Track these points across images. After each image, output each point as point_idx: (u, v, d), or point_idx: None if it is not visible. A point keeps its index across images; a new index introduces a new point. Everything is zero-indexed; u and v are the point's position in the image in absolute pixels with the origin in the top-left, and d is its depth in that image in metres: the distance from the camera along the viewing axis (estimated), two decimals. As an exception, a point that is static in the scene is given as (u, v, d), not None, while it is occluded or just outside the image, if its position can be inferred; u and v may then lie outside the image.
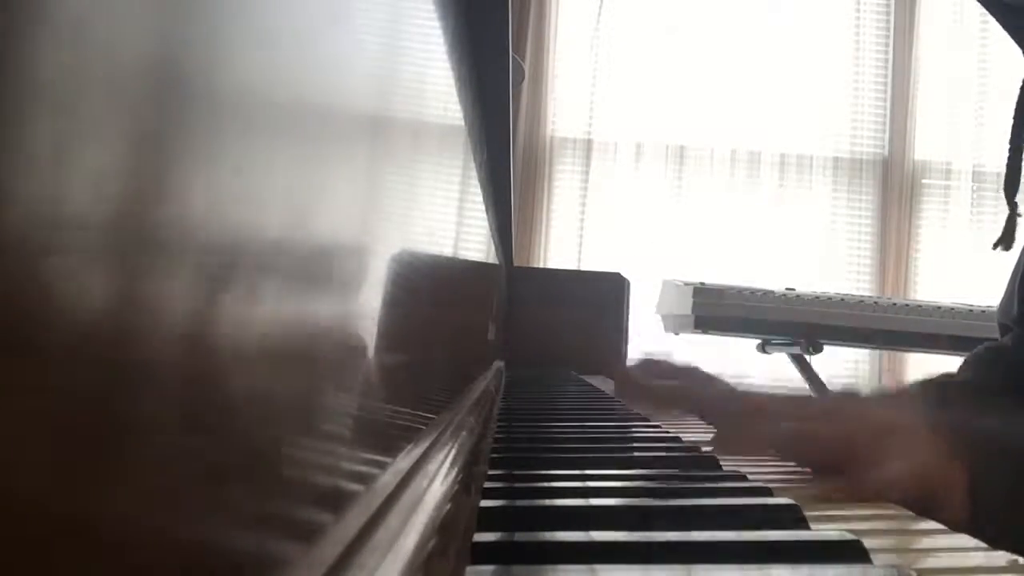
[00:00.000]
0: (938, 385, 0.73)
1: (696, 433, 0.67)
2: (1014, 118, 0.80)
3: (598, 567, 0.30)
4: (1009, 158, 0.81)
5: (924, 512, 0.45)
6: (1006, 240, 0.85)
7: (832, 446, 0.52)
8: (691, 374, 0.72)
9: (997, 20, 0.80)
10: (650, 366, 0.75)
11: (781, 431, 0.55)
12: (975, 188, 2.95)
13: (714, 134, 2.93)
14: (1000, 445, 0.51)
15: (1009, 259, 0.79)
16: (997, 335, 0.81)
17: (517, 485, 0.44)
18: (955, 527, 0.43)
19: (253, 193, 0.15)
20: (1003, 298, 0.80)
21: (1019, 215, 0.83)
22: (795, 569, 0.31)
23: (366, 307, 0.27)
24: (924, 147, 3.00)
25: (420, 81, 0.38)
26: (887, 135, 3.00)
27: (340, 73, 0.22)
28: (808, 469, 0.53)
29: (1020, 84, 0.79)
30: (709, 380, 0.71)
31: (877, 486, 0.47)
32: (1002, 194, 0.83)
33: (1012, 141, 0.80)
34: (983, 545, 0.35)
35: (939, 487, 0.48)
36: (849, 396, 0.62)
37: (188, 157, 0.13)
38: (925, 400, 0.61)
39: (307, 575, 0.19)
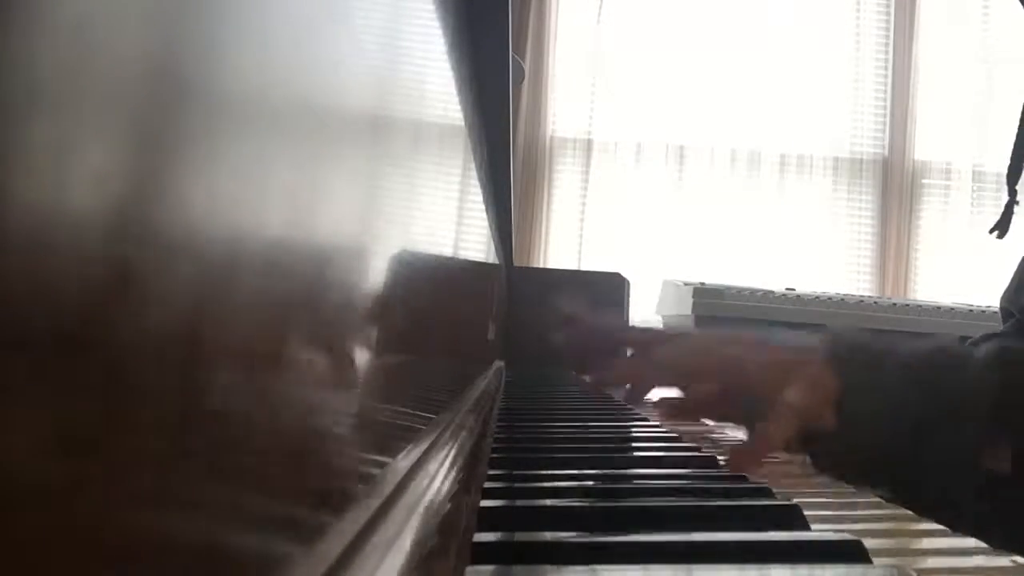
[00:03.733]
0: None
1: (697, 434, 0.67)
2: (1023, 108, 0.79)
3: (598, 567, 0.30)
4: (1015, 146, 0.81)
5: (801, 423, 0.52)
6: (1002, 227, 0.85)
7: (736, 370, 0.58)
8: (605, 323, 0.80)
9: None
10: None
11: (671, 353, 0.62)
12: (975, 188, 2.95)
13: (714, 134, 2.93)
14: (869, 359, 0.56)
15: (1009, 253, 0.79)
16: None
17: (517, 485, 0.44)
18: (826, 431, 0.51)
19: (253, 193, 0.15)
20: (1010, 284, 0.79)
21: (1017, 203, 0.84)
22: (795, 569, 0.31)
23: (366, 307, 0.27)
24: (924, 147, 2.99)
25: (420, 81, 0.38)
26: (887, 135, 3.00)
27: (340, 73, 0.22)
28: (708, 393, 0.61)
29: None
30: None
31: (775, 432, 0.53)
32: (1005, 186, 0.84)
33: (1020, 130, 0.80)
34: (983, 546, 0.35)
35: (816, 397, 0.54)
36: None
37: (187, 157, 0.13)
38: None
39: (307, 575, 0.19)
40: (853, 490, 0.49)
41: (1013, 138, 0.81)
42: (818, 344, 0.58)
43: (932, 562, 0.34)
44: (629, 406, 0.87)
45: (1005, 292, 0.80)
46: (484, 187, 0.83)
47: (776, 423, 0.53)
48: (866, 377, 0.55)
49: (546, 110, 2.93)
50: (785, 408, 0.54)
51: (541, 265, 2.81)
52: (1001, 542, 0.34)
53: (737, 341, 0.62)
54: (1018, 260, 0.79)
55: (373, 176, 0.28)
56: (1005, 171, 0.82)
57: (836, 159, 2.98)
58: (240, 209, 0.15)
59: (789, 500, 0.39)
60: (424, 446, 0.37)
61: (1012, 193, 0.84)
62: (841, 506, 0.45)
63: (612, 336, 0.78)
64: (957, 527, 0.38)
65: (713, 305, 1.99)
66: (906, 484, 0.52)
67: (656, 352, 0.64)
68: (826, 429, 0.53)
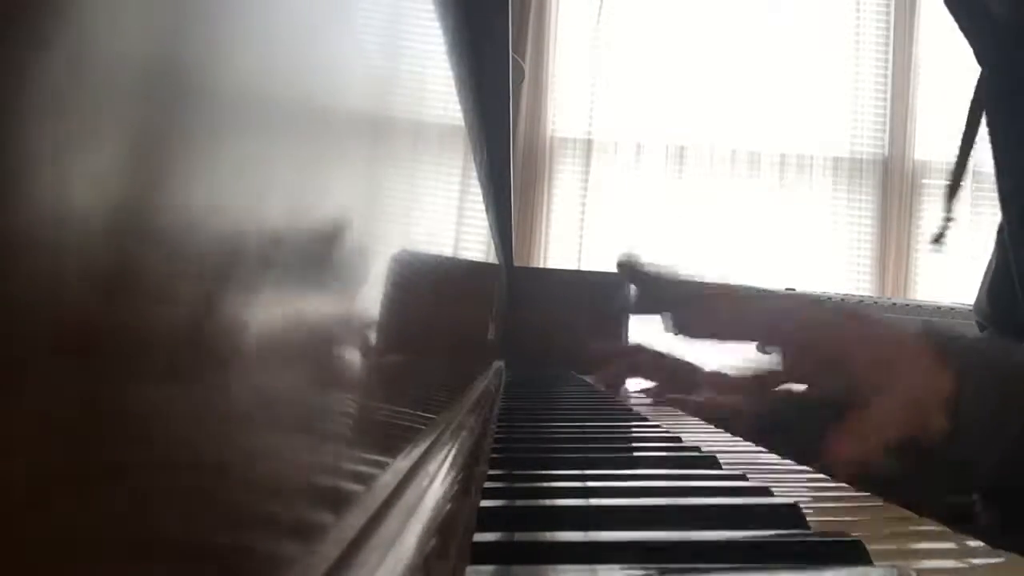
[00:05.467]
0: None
1: (697, 434, 0.67)
2: (967, 122, 0.79)
3: (598, 567, 0.30)
4: (956, 163, 0.81)
5: (909, 426, 0.43)
6: (939, 240, 0.85)
7: (823, 349, 0.49)
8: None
9: (955, 20, 0.80)
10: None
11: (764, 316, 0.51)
12: (975, 188, 2.94)
13: (714, 134, 2.93)
14: (987, 358, 0.48)
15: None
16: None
17: (517, 485, 0.44)
18: (936, 439, 0.42)
19: (252, 193, 0.15)
20: (977, 295, 0.79)
21: (953, 219, 0.83)
22: (795, 569, 0.31)
23: (366, 307, 0.27)
24: (924, 147, 3.00)
25: (420, 81, 0.38)
26: (887, 135, 3.00)
27: (340, 73, 0.22)
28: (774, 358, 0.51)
29: (974, 89, 0.78)
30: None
31: (876, 421, 0.45)
32: (944, 199, 0.83)
33: (962, 146, 0.80)
34: (983, 545, 0.35)
35: (926, 397, 0.46)
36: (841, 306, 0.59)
37: (187, 157, 0.13)
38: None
39: (307, 575, 0.19)
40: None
41: (957, 152, 0.80)
42: (923, 333, 0.49)
43: (932, 562, 0.34)
44: (629, 405, 0.87)
45: (975, 304, 0.80)
46: (484, 187, 0.83)
47: (881, 416, 0.45)
48: (987, 379, 0.47)
49: (546, 110, 2.93)
50: (895, 400, 0.45)
51: (541, 265, 2.82)
52: None
53: (834, 310, 0.52)
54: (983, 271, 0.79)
55: (373, 176, 0.28)
56: (951, 176, 0.82)
57: (836, 159, 2.98)
58: (239, 209, 0.15)
59: (789, 500, 0.39)
60: (424, 446, 0.37)
61: (948, 210, 0.83)
62: (841, 506, 0.45)
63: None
64: None
65: (713, 305, 1.99)
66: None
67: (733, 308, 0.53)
68: (934, 436, 0.45)
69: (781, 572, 0.31)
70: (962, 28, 0.79)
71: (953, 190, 0.82)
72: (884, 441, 0.45)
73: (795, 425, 0.50)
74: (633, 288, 0.67)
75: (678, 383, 0.60)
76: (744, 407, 0.53)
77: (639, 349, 0.71)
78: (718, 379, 0.56)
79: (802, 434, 0.49)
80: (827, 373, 0.48)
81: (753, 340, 0.54)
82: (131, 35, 0.11)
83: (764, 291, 0.58)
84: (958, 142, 0.80)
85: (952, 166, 0.80)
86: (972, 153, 0.79)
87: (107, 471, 0.11)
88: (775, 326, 0.52)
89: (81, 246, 0.10)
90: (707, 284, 0.60)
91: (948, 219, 0.82)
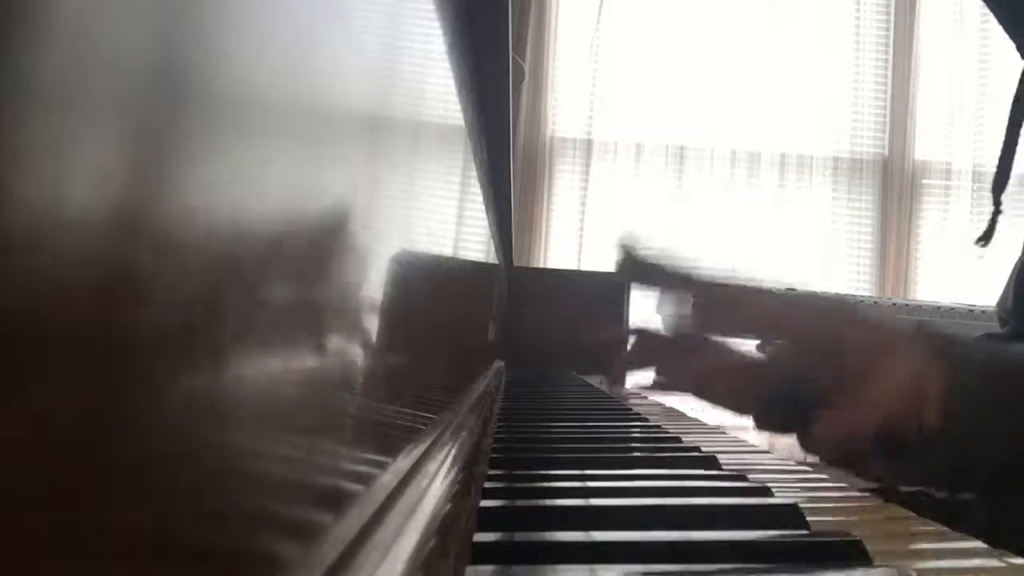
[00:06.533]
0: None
1: (697, 434, 0.67)
2: (1010, 116, 0.80)
3: (598, 567, 0.30)
4: (1001, 156, 0.81)
5: (899, 417, 0.44)
6: (987, 237, 0.85)
7: (821, 348, 0.49)
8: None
9: (995, 15, 0.80)
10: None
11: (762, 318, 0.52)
12: (975, 188, 2.95)
13: (714, 134, 2.93)
14: (980, 358, 0.49)
15: (1009, 253, 0.80)
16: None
17: (517, 485, 0.44)
18: (928, 436, 0.41)
19: (252, 193, 0.15)
20: (1003, 290, 0.80)
21: (1001, 212, 0.83)
22: (795, 569, 0.31)
23: (366, 307, 0.27)
24: (924, 147, 3.00)
25: (420, 81, 0.38)
26: (887, 135, 3.00)
27: (340, 73, 0.22)
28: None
29: (1017, 82, 0.79)
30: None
31: (866, 407, 0.45)
32: (991, 192, 0.83)
33: (1006, 139, 0.80)
34: (983, 545, 0.35)
35: (917, 392, 0.46)
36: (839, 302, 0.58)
37: (187, 157, 0.13)
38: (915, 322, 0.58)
39: (307, 575, 0.19)
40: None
41: (1000, 147, 0.80)
42: (916, 332, 0.49)
43: (932, 562, 0.34)
44: (629, 405, 0.87)
45: (1000, 299, 0.80)
46: (484, 187, 0.83)
47: (871, 399, 0.45)
48: (980, 379, 0.47)
49: (546, 110, 2.93)
50: (885, 389, 0.45)
51: (541, 265, 2.81)
52: None
53: (822, 306, 0.53)
54: (1011, 266, 0.79)
55: (373, 176, 0.28)
56: (996, 169, 0.82)
57: (836, 159, 2.98)
58: (238, 209, 0.15)
59: (789, 500, 0.39)
60: (424, 446, 0.37)
61: (997, 203, 0.83)
62: (841, 506, 0.45)
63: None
64: None
65: (713, 305, 1.99)
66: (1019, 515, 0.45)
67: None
68: (926, 432, 0.45)
69: (781, 572, 0.31)
70: (1002, 22, 0.79)
71: (1000, 185, 0.82)
72: (871, 425, 0.45)
73: (790, 410, 0.50)
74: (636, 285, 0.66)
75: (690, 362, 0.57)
76: (745, 390, 0.53)
77: (642, 333, 0.68)
78: (738, 359, 0.55)
79: (796, 418, 0.49)
80: (823, 367, 0.48)
81: (762, 336, 0.54)
82: (131, 35, 0.11)
83: (764, 288, 0.57)
84: (1002, 137, 0.80)
85: (998, 161, 0.80)
86: (1018, 147, 0.79)
87: (107, 471, 0.11)
88: (779, 324, 0.52)
89: (81, 246, 0.10)
90: (715, 281, 0.59)
91: (997, 212, 0.82)
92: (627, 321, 1.73)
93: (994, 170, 0.82)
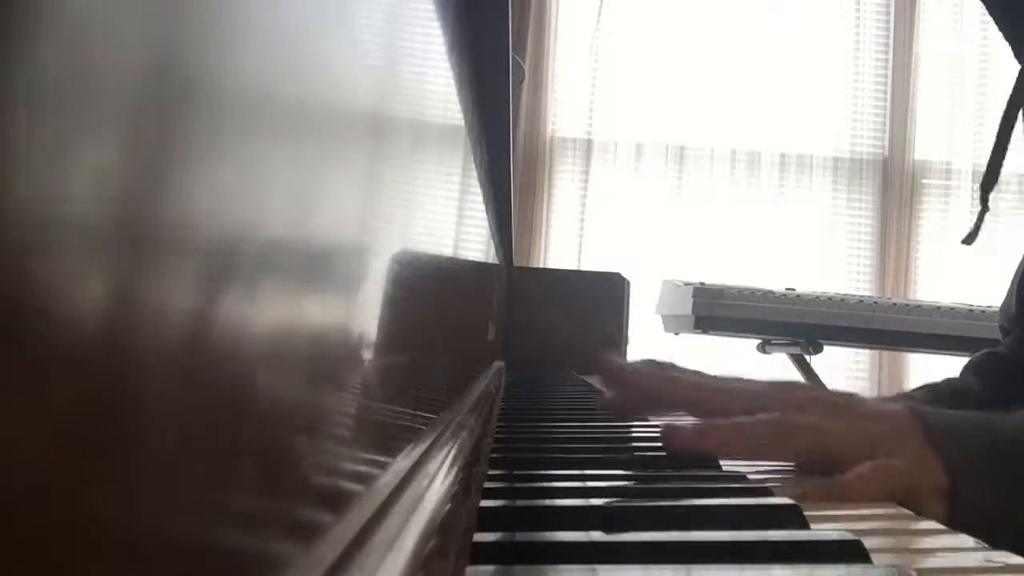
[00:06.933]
0: (935, 390, 0.73)
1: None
2: (1003, 117, 0.80)
3: (598, 567, 0.30)
4: (992, 156, 0.81)
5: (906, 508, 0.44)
6: (972, 237, 0.85)
7: (819, 438, 0.50)
8: (669, 374, 0.68)
9: (992, 17, 0.80)
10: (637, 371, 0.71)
11: (761, 420, 0.52)
12: (975, 188, 2.94)
13: (714, 134, 2.93)
14: (984, 441, 0.49)
15: (1010, 253, 0.80)
16: (997, 335, 0.82)
17: (517, 485, 0.44)
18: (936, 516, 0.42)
19: (252, 193, 0.15)
20: (1005, 299, 0.80)
21: (988, 211, 0.84)
22: (795, 569, 0.31)
23: (366, 307, 0.27)
24: (924, 147, 3.00)
25: (420, 81, 0.38)
26: (887, 135, 3.00)
27: (340, 73, 0.22)
28: (787, 462, 0.52)
29: (1013, 84, 0.79)
30: (686, 376, 0.67)
31: (862, 485, 0.46)
32: (980, 191, 0.84)
33: (998, 140, 0.80)
34: (983, 545, 0.35)
35: (921, 486, 0.46)
36: (838, 393, 0.59)
37: (187, 157, 0.13)
38: (920, 402, 0.60)
39: (307, 575, 0.19)
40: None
41: (993, 146, 0.81)
42: (907, 418, 0.50)
43: (932, 562, 0.34)
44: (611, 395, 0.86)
45: (1002, 309, 0.80)
46: (484, 187, 0.83)
47: (865, 481, 0.45)
48: (983, 464, 0.47)
49: (546, 110, 2.93)
50: (893, 472, 0.46)
51: (541, 265, 2.81)
52: None
53: (812, 400, 0.53)
54: (1012, 266, 0.79)
55: (373, 176, 0.28)
56: (985, 168, 0.82)
57: (836, 159, 2.98)
58: (238, 209, 0.15)
59: (789, 500, 0.39)
60: (424, 446, 0.37)
61: (984, 201, 0.84)
62: (840, 505, 0.45)
63: (660, 389, 0.65)
64: None
65: (713, 305, 1.99)
66: None
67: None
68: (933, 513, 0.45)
69: (781, 572, 0.31)
70: (999, 25, 0.79)
71: (989, 184, 0.82)
72: (887, 492, 0.45)
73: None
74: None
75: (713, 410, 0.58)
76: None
77: (665, 376, 0.67)
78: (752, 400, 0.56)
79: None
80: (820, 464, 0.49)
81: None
82: (131, 35, 0.11)
83: (746, 381, 0.61)
84: (993, 138, 0.80)
85: (988, 162, 0.81)
86: (1008, 148, 0.79)
87: (106, 471, 0.11)
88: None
89: (81, 246, 0.10)
90: (695, 381, 0.63)
91: (984, 211, 0.82)
92: (627, 329, 1.74)
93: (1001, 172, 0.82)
